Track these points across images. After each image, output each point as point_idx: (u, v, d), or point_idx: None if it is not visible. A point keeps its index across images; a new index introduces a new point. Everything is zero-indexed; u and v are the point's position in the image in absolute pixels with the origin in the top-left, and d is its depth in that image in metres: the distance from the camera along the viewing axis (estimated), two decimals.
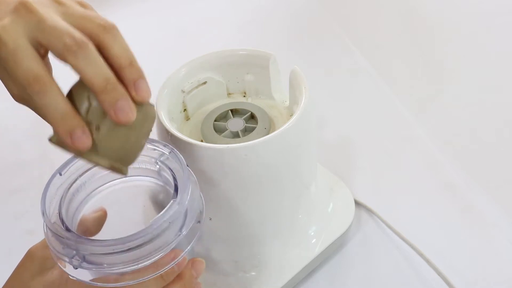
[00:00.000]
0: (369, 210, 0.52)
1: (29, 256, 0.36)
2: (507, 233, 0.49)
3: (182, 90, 0.44)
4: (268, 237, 0.44)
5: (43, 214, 0.32)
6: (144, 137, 0.31)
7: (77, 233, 0.32)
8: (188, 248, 0.33)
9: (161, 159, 0.35)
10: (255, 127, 0.42)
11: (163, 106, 0.41)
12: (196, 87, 0.45)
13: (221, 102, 0.46)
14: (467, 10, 0.80)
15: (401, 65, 0.71)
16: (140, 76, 0.31)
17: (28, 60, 0.27)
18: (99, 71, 0.28)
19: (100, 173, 0.36)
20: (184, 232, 0.32)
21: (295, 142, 0.39)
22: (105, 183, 0.37)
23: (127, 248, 0.30)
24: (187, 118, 0.46)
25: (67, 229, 0.31)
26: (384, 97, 0.66)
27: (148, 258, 0.31)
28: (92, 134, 0.29)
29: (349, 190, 0.51)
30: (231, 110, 0.44)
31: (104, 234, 0.37)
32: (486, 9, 0.79)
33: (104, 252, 0.30)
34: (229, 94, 0.48)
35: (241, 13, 0.86)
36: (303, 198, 0.45)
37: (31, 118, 0.68)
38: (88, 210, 0.37)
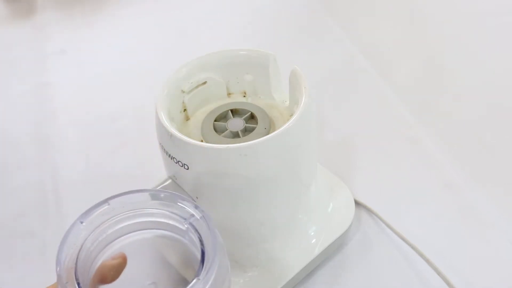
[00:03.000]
0: (369, 210, 0.52)
1: None
2: (507, 233, 0.49)
3: (182, 90, 0.44)
4: (268, 237, 0.44)
5: (57, 268, 0.30)
6: None
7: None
8: None
9: (191, 220, 0.33)
10: (255, 127, 0.42)
11: (163, 106, 0.41)
12: (196, 87, 0.45)
13: (221, 102, 0.46)
14: (468, 10, 0.80)
15: (401, 65, 0.71)
16: None
17: None
18: None
19: (124, 223, 0.35)
20: None
21: (295, 142, 0.39)
22: (129, 233, 0.35)
23: None
24: (187, 118, 0.46)
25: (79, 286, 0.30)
26: (384, 97, 0.66)
27: None
28: None
29: (349, 190, 0.51)
30: (231, 110, 0.44)
31: (122, 282, 0.36)
32: (486, 9, 0.79)
33: None
34: (229, 94, 0.48)
35: (241, 13, 0.86)
36: (303, 198, 0.45)
37: (31, 118, 0.69)
38: (108, 257, 0.35)
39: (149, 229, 0.35)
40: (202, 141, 0.42)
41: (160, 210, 0.34)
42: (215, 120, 0.43)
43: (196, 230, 0.33)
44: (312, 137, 0.43)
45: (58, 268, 0.30)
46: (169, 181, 0.41)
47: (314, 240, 0.46)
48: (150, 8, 0.89)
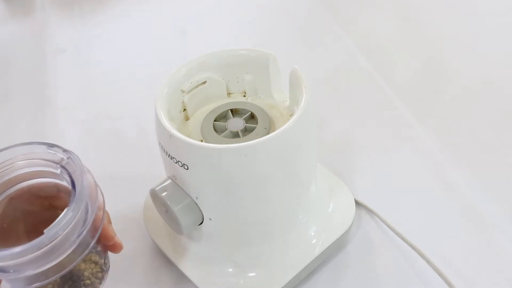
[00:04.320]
0: (369, 210, 0.52)
1: None
2: (507, 233, 0.49)
3: (182, 90, 0.44)
4: (268, 237, 0.44)
5: None
6: None
7: None
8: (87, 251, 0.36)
9: (62, 163, 0.36)
10: (255, 127, 0.42)
11: (163, 106, 0.41)
12: (196, 87, 0.45)
13: (221, 102, 0.46)
14: (468, 10, 0.80)
15: (401, 65, 0.71)
16: None
17: None
18: None
19: (4, 178, 0.37)
20: (80, 239, 0.34)
21: (295, 142, 0.39)
22: (9, 188, 0.38)
23: (23, 257, 0.32)
24: (187, 118, 0.46)
25: None
26: (384, 97, 0.66)
27: (50, 261, 0.33)
28: None
29: (349, 190, 0.51)
30: (231, 110, 0.44)
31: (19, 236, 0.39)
32: (486, 9, 0.79)
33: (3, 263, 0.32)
34: (229, 94, 0.48)
35: (241, 13, 0.86)
36: (303, 198, 0.45)
37: (31, 118, 0.69)
38: None
39: (26, 180, 0.38)
40: (202, 141, 0.42)
41: (31, 161, 0.37)
42: (215, 120, 0.43)
43: (68, 172, 0.36)
44: (312, 137, 0.43)
45: None
46: (169, 181, 0.41)
47: (314, 241, 0.46)
48: (150, 7, 0.89)
